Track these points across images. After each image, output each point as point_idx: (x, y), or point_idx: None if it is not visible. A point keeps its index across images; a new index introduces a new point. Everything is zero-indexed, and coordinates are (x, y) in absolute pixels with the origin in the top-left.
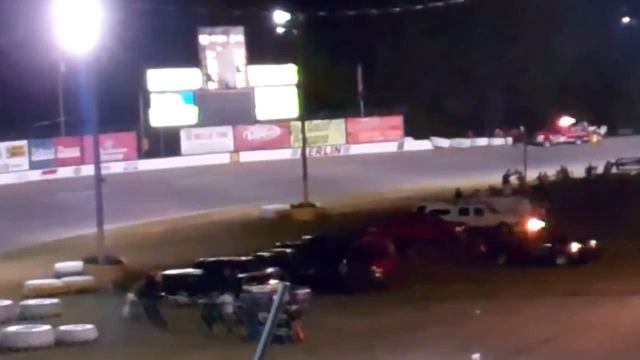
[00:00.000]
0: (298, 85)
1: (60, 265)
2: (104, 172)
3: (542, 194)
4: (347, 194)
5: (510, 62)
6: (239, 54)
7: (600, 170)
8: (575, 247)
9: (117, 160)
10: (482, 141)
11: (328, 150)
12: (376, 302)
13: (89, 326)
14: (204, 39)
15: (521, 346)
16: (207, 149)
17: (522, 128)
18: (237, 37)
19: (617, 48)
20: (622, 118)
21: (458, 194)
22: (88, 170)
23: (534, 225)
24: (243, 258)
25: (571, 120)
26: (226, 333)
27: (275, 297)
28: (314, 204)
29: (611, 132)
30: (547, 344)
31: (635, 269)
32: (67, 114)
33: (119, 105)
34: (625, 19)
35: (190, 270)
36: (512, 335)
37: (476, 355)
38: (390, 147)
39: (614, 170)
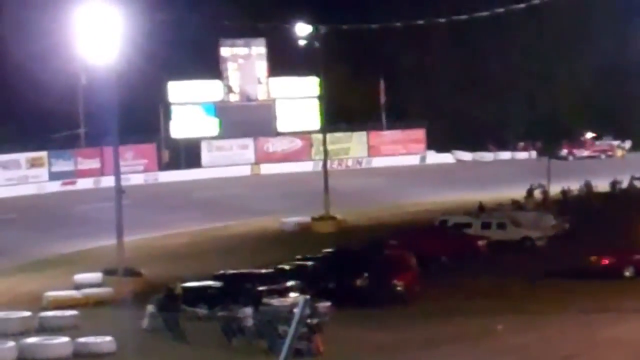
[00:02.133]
0: (319, 98)
1: (80, 277)
2: (124, 183)
3: (565, 209)
4: (369, 206)
5: (534, 75)
6: (261, 66)
7: (624, 184)
8: None
9: (138, 171)
10: (505, 155)
11: (350, 162)
12: (397, 316)
13: (108, 338)
14: (225, 50)
15: None
16: (228, 161)
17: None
18: (258, 49)
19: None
20: None
21: (481, 208)
22: (108, 181)
23: None
24: (263, 271)
25: (594, 135)
26: (246, 346)
27: (296, 311)
28: (335, 217)
29: (636, 147)
30: None
31: None
32: (87, 125)
33: (139, 117)
34: None
35: (210, 282)
36: (533, 352)
37: None
38: (413, 160)
39: (638, 184)
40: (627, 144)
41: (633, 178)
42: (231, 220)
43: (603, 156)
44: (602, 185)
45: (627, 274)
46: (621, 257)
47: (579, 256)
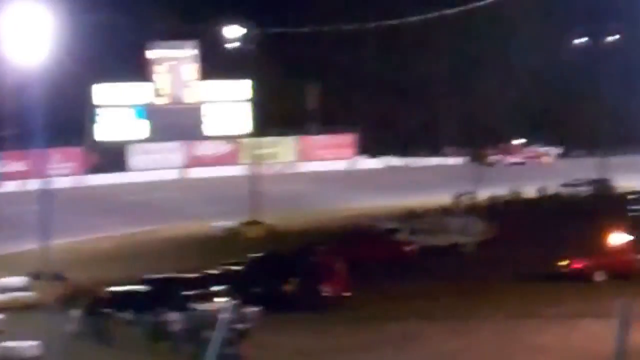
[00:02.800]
0: (250, 101)
1: (5, 281)
2: (50, 186)
3: (494, 214)
4: (298, 211)
5: (464, 82)
6: (191, 68)
7: (551, 191)
8: None
9: (64, 174)
10: (435, 160)
11: (279, 167)
12: (325, 321)
13: (34, 343)
14: (154, 53)
15: None
16: (156, 164)
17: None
18: (188, 52)
19: (571, 69)
20: (574, 140)
21: (410, 213)
22: (34, 184)
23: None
24: (191, 275)
25: (523, 141)
26: (172, 351)
27: (223, 316)
28: (263, 222)
29: (564, 154)
30: None
31: (586, 291)
32: (13, 128)
33: (67, 119)
34: (580, 40)
35: (137, 287)
36: (462, 357)
37: None
38: (342, 165)
39: (565, 191)
40: (556, 151)
41: (560, 185)
42: (159, 224)
43: (532, 162)
44: (529, 191)
45: (598, 278)
46: (592, 262)
47: (537, 261)
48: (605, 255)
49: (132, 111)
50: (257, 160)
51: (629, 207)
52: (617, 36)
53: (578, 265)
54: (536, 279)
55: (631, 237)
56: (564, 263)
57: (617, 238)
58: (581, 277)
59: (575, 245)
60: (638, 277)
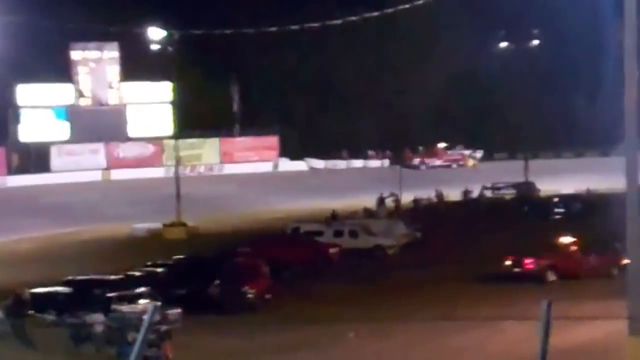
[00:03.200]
0: (172, 103)
1: None
2: None
3: (417, 217)
4: (221, 213)
5: (387, 84)
6: (113, 70)
7: (475, 194)
8: None
9: None
10: (358, 163)
11: (202, 169)
12: (248, 323)
13: None
14: (76, 54)
15: None
16: (78, 165)
17: (389, 152)
18: (111, 53)
19: (493, 73)
20: (497, 143)
21: (333, 216)
22: None
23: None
24: (113, 277)
25: (446, 144)
26: (95, 353)
27: (145, 317)
28: (186, 223)
29: (487, 157)
30: None
31: (507, 293)
32: None
33: None
34: (502, 44)
35: (59, 288)
36: (383, 358)
37: None
38: (265, 167)
39: (489, 194)
40: (479, 154)
41: (484, 187)
42: (81, 226)
43: (455, 165)
44: (453, 194)
45: (551, 278)
46: (544, 261)
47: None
48: (555, 255)
49: (55, 112)
50: (180, 162)
51: (554, 210)
52: (537, 41)
53: (530, 265)
54: (462, 280)
55: (576, 238)
56: (511, 263)
57: (565, 238)
58: (533, 278)
59: (522, 245)
60: (586, 278)
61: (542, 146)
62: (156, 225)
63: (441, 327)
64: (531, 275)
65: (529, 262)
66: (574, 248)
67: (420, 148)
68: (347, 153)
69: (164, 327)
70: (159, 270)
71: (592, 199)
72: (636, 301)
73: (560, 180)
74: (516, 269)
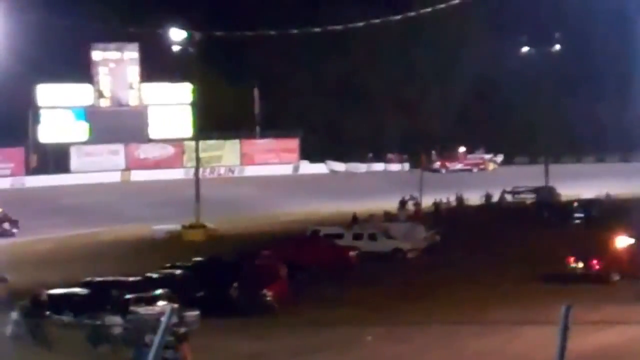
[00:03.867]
0: (193, 105)
1: None
2: None
3: (437, 221)
4: (241, 215)
5: (409, 88)
6: (133, 71)
7: (496, 198)
8: None
9: (4, 175)
10: (379, 166)
11: (222, 171)
12: (267, 326)
13: None
14: (97, 54)
15: None
16: (97, 166)
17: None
18: (131, 54)
19: (515, 77)
20: (518, 147)
21: (354, 219)
22: None
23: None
24: (131, 279)
25: (465, 148)
26: (112, 355)
27: (163, 319)
28: (205, 225)
29: (507, 161)
30: None
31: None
32: None
33: (8, 120)
34: (524, 49)
35: (76, 289)
36: None
37: None
38: (286, 169)
39: (509, 198)
40: (499, 158)
41: (504, 192)
42: (100, 227)
43: (475, 169)
44: (473, 198)
45: (615, 278)
46: (608, 262)
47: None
48: (616, 257)
49: (75, 113)
50: (200, 163)
51: (574, 215)
52: (559, 46)
53: (597, 265)
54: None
55: (634, 240)
56: (578, 265)
57: (623, 240)
58: (598, 279)
59: (580, 247)
60: None
61: (563, 151)
62: (175, 226)
63: (460, 331)
64: (597, 276)
65: (594, 263)
66: (634, 248)
67: (433, 152)
68: (368, 156)
69: (181, 329)
70: (178, 272)
71: (611, 204)
72: None
73: (580, 185)
74: (580, 270)
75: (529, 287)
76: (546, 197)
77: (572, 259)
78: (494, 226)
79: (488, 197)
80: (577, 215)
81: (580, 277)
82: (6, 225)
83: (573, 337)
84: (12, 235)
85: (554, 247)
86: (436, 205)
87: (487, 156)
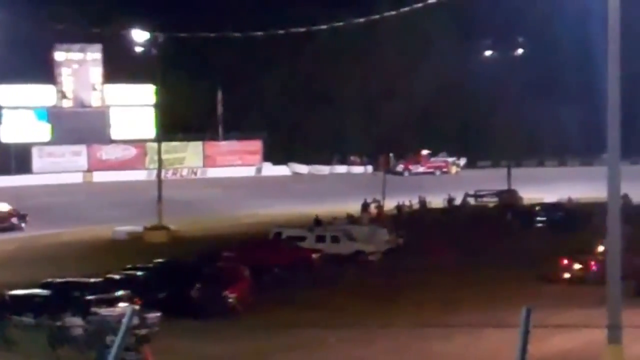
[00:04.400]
0: (155, 106)
1: None
2: None
3: (400, 223)
4: (203, 217)
5: (373, 91)
6: (96, 72)
7: (458, 201)
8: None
9: None
10: (342, 168)
11: (185, 172)
12: (229, 328)
13: None
14: (60, 55)
15: None
16: (60, 167)
17: (388, 156)
18: (94, 55)
19: (478, 81)
20: (481, 150)
21: (317, 221)
22: None
23: None
24: (92, 280)
25: (429, 151)
26: (73, 356)
27: (124, 321)
28: (167, 227)
29: (470, 164)
30: None
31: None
32: None
33: None
34: (488, 52)
35: (37, 290)
36: None
37: None
38: (249, 171)
39: (472, 202)
40: (462, 162)
41: (466, 195)
42: (62, 228)
43: (438, 172)
44: (436, 201)
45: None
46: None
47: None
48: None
49: (37, 113)
50: (163, 165)
51: (537, 219)
52: (522, 50)
53: (594, 267)
54: (444, 285)
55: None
56: (574, 266)
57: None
58: (596, 280)
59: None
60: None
61: (525, 154)
62: (137, 228)
63: (424, 333)
64: (595, 277)
65: (592, 264)
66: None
67: (391, 155)
68: (330, 158)
69: (142, 331)
70: (139, 273)
71: (574, 208)
72: (615, 310)
73: (543, 188)
74: (577, 271)
75: (504, 288)
76: (508, 200)
77: (565, 261)
78: (456, 229)
79: (451, 200)
80: (539, 218)
81: (577, 279)
82: (14, 220)
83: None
84: (20, 229)
85: (521, 249)
86: (399, 208)
87: (450, 159)
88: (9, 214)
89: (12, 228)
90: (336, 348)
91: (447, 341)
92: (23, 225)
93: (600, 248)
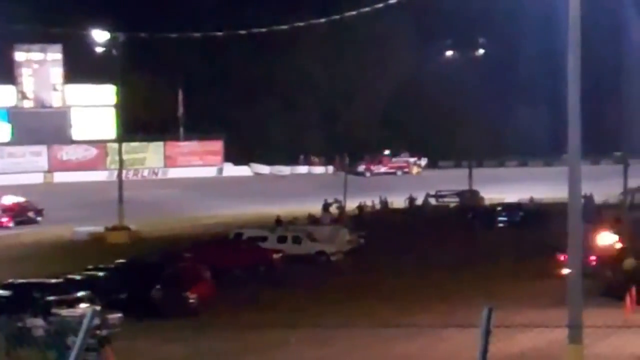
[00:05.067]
0: (116, 106)
1: None
2: None
3: (361, 224)
4: (164, 218)
5: (333, 92)
6: (56, 72)
7: (419, 201)
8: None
9: None
10: (303, 169)
11: (145, 173)
12: (190, 328)
13: None
14: (20, 55)
15: None
16: (20, 168)
17: (345, 156)
18: (54, 55)
19: (439, 82)
20: (442, 151)
21: (278, 221)
22: None
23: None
24: (53, 280)
25: (390, 151)
26: (34, 357)
27: (84, 321)
28: (128, 227)
29: (432, 164)
30: None
31: (448, 299)
32: None
33: None
34: (449, 53)
35: None
36: None
37: None
38: (210, 172)
39: (433, 202)
40: (423, 162)
41: (428, 195)
42: (22, 228)
43: (399, 173)
44: (397, 201)
45: (608, 274)
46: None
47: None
48: (606, 253)
49: None
50: (123, 165)
51: (498, 218)
52: (483, 51)
53: (594, 263)
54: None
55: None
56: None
57: (607, 237)
58: (594, 275)
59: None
60: None
61: (487, 155)
62: (98, 228)
63: (384, 333)
64: (593, 273)
65: (591, 260)
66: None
67: (345, 155)
68: (292, 159)
69: (104, 332)
70: (100, 274)
71: (535, 208)
72: (575, 309)
73: (504, 188)
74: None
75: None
76: (469, 200)
77: (562, 257)
78: (417, 229)
79: (412, 200)
80: (500, 218)
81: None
82: (31, 214)
83: (504, 340)
84: (36, 222)
85: (482, 249)
86: (360, 208)
87: (412, 159)
88: (26, 207)
89: (29, 221)
90: (296, 349)
91: (409, 342)
92: (39, 219)
93: (604, 240)
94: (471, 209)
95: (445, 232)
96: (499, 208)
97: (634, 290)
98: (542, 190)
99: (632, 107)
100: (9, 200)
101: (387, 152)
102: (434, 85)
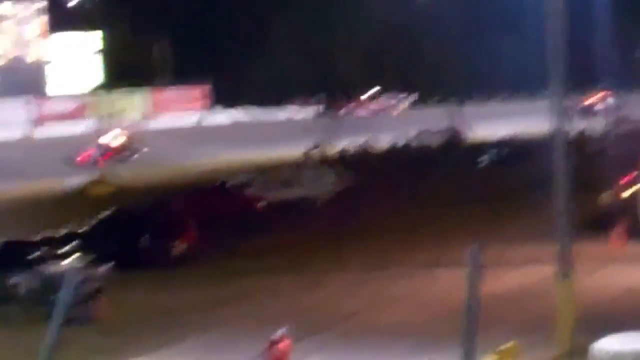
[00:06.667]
0: (100, 53)
1: None
2: None
3: (345, 167)
4: (149, 167)
5: (314, 34)
6: (37, 23)
7: (403, 142)
8: None
9: None
10: (286, 113)
11: (129, 122)
12: (179, 278)
13: None
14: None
15: (327, 321)
16: None
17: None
18: (34, 6)
19: (427, 16)
20: (428, 89)
21: (261, 168)
22: None
23: None
24: (39, 236)
25: (376, 90)
26: (19, 315)
27: (69, 275)
28: (111, 179)
29: (417, 104)
30: (352, 317)
31: (438, 239)
32: None
33: None
34: None
35: None
36: (317, 310)
37: (282, 331)
38: (194, 119)
39: (416, 143)
40: (408, 101)
41: (412, 135)
42: (3, 185)
43: (384, 113)
44: (382, 142)
45: None
46: None
47: None
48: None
49: None
50: (107, 115)
51: (477, 159)
52: None
53: None
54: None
55: None
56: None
57: None
58: None
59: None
60: None
61: (472, 91)
62: (82, 181)
63: (373, 276)
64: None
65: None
66: None
67: (321, 95)
68: (275, 103)
69: (92, 285)
70: (85, 227)
71: (520, 145)
72: (564, 245)
73: (491, 124)
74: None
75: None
76: (452, 139)
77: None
78: (401, 171)
79: (395, 142)
80: (483, 157)
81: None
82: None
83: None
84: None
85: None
86: (344, 151)
87: (397, 99)
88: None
89: None
90: (286, 295)
91: (399, 283)
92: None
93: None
94: (453, 147)
95: (427, 173)
96: (484, 145)
97: (623, 222)
98: (530, 125)
99: None
100: None
101: (371, 91)
102: (420, 20)
